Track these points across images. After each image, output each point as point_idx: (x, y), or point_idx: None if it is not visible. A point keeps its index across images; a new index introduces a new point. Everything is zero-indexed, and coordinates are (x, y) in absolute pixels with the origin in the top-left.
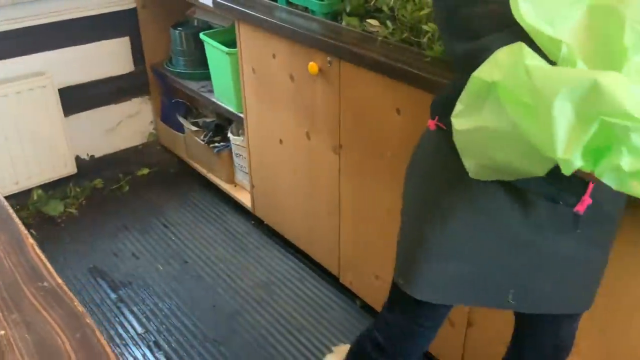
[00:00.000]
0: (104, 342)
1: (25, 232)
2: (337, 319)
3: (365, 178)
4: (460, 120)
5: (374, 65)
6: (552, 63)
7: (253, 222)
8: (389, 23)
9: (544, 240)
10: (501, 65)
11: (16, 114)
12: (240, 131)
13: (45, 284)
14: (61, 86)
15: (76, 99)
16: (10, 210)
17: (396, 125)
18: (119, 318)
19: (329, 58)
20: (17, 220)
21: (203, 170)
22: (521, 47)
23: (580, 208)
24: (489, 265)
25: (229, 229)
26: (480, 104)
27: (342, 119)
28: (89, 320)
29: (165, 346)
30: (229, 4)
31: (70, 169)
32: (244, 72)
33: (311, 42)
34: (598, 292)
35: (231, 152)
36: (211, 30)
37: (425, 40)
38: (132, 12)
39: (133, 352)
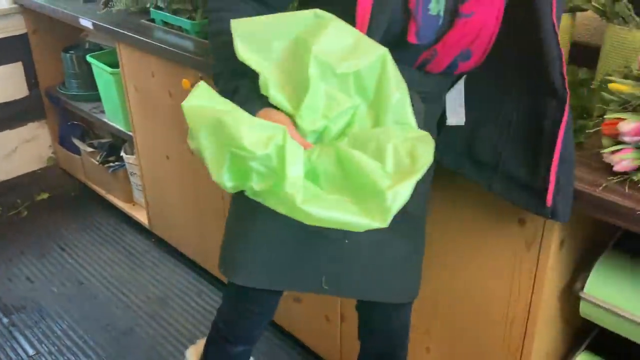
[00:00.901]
0: None
1: None
2: None
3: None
4: (189, 141)
5: None
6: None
7: (154, 239)
8: None
9: (337, 233)
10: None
11: None
12: (133, 150)
13: None
14: None
15: None
16: None
17: None
18: (10, 342)
19: (200, 75)
20: None
21: (102, 192)
22: (198, 86)
23: None
24: (296, 253)
25: (128, 248)
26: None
27: None
28: None
29: None
30: (108, 27)
31: None
32: (128, 92)
33: (183, 60)
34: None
35: (127, 172)
36: (98, 52)
37: None
38: (24, 37)
39: None
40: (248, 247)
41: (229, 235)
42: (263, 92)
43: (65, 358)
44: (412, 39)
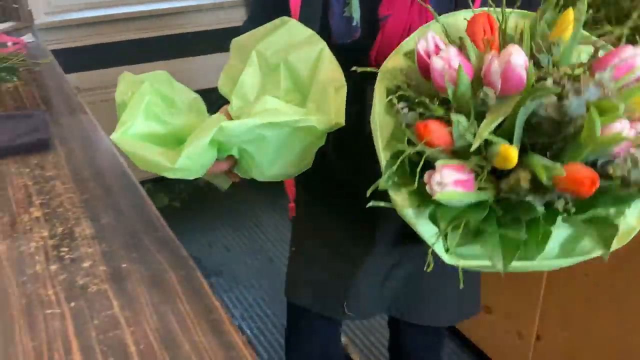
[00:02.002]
0: (202, 280)
1: (146, 195)
2: None
3: None
4: None
5: None
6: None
7: None
8: None
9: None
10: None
11: None
12: None
13: (159, 234)
14: None
15: None
16: (134, 179)
17: None
18: None
19: None
20: (140, 187)
21: None
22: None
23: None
24: (322, 277)
25: None
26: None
27: None
28: (191, 262)
29: (248, 332)
30: None
31: None
32: None
33: None
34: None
35: None
36: None
37: None
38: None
39: None
40: (296, 268)
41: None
42: None
43: (256, 325)
44: (333, 39)
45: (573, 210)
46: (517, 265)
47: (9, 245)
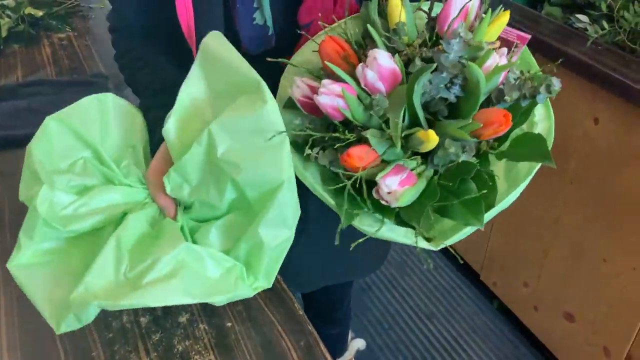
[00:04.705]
0: (328, 356)
1: None
2: (469, 314)
3: (537, 183)
4: None
5: (575, 65)
6: None
7: None
8: (604, 23)
9: None
10: None
11: None
12: None
13: None
14: None
15: None
16: None
17: (590, 136)
18: None
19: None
20: None
21: None
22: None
23: None
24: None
25: None
26: None
27: None
28: (309, 326)
29: None
30: None
31: None
32: None
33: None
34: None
35: None
36: None
37: None
38: None
39: None
40: None
41: None
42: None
43: None
44: (244, 48)
45: (496, 144)
46: (488, 214)
47: None
